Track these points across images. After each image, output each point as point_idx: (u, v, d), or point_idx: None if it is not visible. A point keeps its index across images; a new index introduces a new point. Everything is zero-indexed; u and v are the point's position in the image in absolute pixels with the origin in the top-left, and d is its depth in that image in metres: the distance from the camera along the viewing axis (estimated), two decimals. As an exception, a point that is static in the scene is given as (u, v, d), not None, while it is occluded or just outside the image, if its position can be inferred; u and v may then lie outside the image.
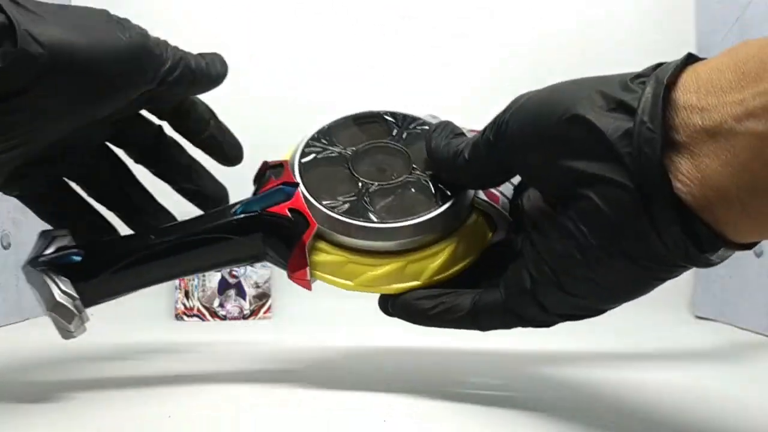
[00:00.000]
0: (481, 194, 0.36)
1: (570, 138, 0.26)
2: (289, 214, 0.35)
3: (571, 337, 0.48)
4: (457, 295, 0.33)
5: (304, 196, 0.35)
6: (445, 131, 0.34)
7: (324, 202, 0.34)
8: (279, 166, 0.37)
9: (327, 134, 0.38)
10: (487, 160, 0.31)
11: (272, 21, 0.79)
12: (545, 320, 0.30)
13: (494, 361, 0.45)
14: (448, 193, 0.35)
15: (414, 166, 0.36)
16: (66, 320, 0.33)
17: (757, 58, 0.22)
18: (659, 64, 0.25)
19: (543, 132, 0.27)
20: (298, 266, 0.35)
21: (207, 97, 0.43)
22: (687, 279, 0.68)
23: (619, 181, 0.24)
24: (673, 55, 0.26)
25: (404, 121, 0.39)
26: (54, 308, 0.33)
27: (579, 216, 0.26)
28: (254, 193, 0.38)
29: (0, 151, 0.30)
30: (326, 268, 0.35)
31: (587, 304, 0.28)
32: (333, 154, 0.37)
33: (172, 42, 0.38)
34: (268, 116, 0.78)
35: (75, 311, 0.33)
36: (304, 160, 0.37)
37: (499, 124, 0.30)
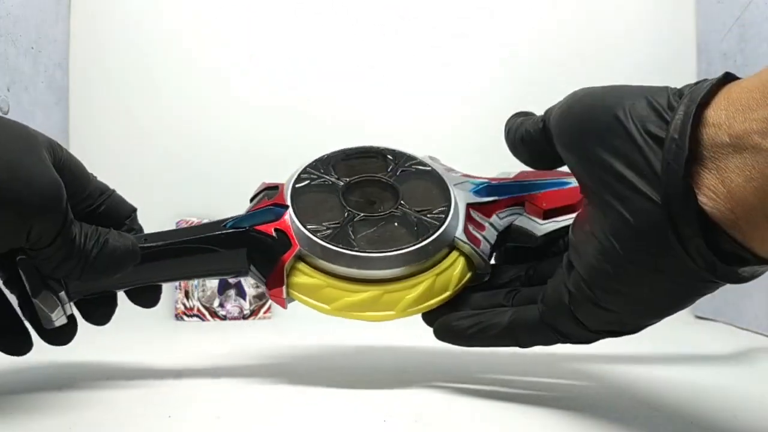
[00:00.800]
0: (463, 236, 0.37)
1: (611, 139, 0.27)
2: (274, 234, 0.36)
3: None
4: (494, 314, 0.34)
5: (291, 219, 0.36)
6: (519, 115, 0.35)
7: (309, 226, 0.36)
8: (275, 188, 0.39)
9: (325, 163, 0.40)
10: (539, 144, 0.32)
11: (272, 21, 0.79)
12: (582, 336, 0.31)
13: (494, 360, 0.45)
14: (430, 230, 0.36)
15: (402, 202, 0.37)
16: (48, 309, 0.34)
17: None
18: (701, 81, 0.26)
19: (589, 126, 0.28)
20: (275, 284, 0.36)
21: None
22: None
23: (647, 194, 0.25)
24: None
25: (401, 158, 0.40)
26: (38, 296, 0.33)
27: (610, 229, 0.27)
28: (247, 211, 0.39)
29: None
30: (304, 289, 0.36)
31: (622, 319, 0.29)
32: (327, 183, 0.39)
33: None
34: (268, 116, 0.78)
35: (58, 301, 0.34)
36: (298, 185, 0.38)
37: (551, 114, 0.31)
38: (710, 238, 0.24)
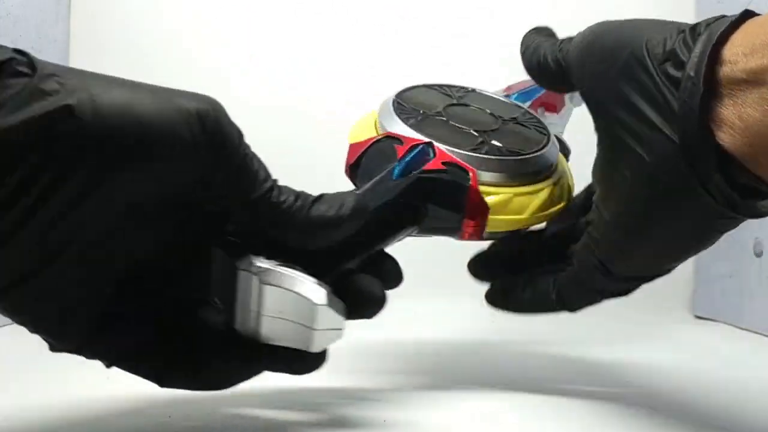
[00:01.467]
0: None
1: (633, 74, 0.27)
2: (444, 167, 0.34)
3: (570, 335, 0.48)
4: (546, 283, 0.34)
5: (447, 149, 0.34)
6: (538, 32, 0.38)
7: (470, 148, 0.35)
8: (390, 138, 0.36)
9: (403, 104, 0.39)
10: (553, 74, 0.34)
11: (272, 21, 0.79)
12: (613, 287, 0.31)
13: (494, 360, 0.45)
14: (544, 135, 0.37)
15: (501, 116, 0.38)
16: (342, 314, 0.27)
17: None
18: (719, 17, 0.26)
19: (611, 62, 0.28)
20: (477, 212, 0.34)
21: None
22: (687, 279, 0.68)
23: (665, 133, 0.25)
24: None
25: (453, 88, 0.41)
26: (329, 303, 0.26)
27: (629, 171, 0.27)
28: (355, 175, 0.36)
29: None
30: (498, 207, 0.34)
31: (646, 263, 0.29)
32: (427, 117, 0.38)
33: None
34: (268, 116, 0.78)
35: (338, 299, 0.28)
36: (412, 123, 0.36)
37: (570, 49, 0.32)
38: (726, 173, 0.24)
